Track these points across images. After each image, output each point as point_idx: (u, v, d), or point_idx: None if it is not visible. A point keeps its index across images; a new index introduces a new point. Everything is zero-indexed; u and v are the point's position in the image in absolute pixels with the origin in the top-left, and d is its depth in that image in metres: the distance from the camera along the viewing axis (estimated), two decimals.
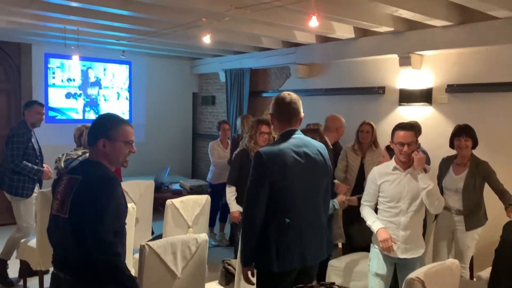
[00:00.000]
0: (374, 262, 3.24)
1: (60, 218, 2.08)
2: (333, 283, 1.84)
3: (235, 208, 4.13)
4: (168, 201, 3.83)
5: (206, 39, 4.53)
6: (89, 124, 4.39)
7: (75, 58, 6.24)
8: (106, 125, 2.22)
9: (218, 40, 6.21)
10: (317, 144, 2.66)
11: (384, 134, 5.30)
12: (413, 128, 3.24)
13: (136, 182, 4.87)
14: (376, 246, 3.22)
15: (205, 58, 8.53)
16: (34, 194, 4.79)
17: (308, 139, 2.65)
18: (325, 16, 4.68)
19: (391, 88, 5.82)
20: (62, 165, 4.03)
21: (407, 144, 3.09)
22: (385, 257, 3.17)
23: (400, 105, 5.74)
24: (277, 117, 2.62)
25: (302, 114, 2.66)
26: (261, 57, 7.23)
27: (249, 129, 4.33)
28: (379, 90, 5.92)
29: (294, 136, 2.58)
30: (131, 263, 3.67)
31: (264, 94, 7.55)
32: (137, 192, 4.71)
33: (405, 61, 5.45)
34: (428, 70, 5.45)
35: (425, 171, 3.10)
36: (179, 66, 8.86)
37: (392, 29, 5.16)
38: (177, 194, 5.57)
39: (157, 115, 8.59)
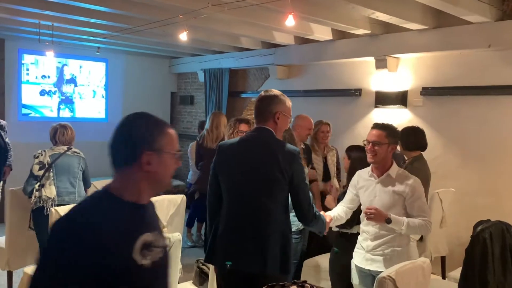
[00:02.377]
0: (352, 273, 3.05)
1: None
2: (305, 281, 1.84)
3: None
4: None
5: (183, 36, 4.50)
6: (65, 123, 4.37)
7: (50, 54, 6.11)
8: (150, 130, 1.54)
9: (197, 39, 6.18)
10: (278, 145, 2.46)
11: (359, 136, 5.34)
12: (385, 128, 2.95)
13: (107, 181, 4.78)
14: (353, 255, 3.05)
15: (184, 57, 8.47)
16: None
17: (267, 137, 2.47)
18: (304, 17, 4.71)
19: (367, 91, 5.89)
20: (49, 159, 4.07)
21: (372, 142, 2.87)
22: (357, 269, 2.98)
23: (376, 107, 5.81)
24: None
25: (274, 111, 2.49)
26: (241, 58, 7.22)
27: (228, 128, 4.22)
28: (356, 92, 5.98)
29: (250, 133, 2.59)
30: None
31: (243, 95, 7.54)
32: None
33: (381, 64, 5.52)
34: (403, 73, 5.53)
35: (389, 221, 2.73)
36: (158, 65, 8.77)
37: (369, 31, 5.23)
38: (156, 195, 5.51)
39: None
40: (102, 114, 8.13)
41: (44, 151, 4.12)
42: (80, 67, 7.81)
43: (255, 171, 2.45)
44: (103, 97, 8.14)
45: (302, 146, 4.30)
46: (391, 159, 2.93)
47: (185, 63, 8.57)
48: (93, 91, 8.01)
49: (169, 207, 3.87)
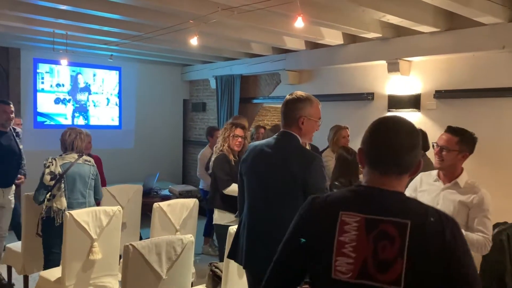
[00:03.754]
0: None
1: None
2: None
3: None
4: (155, 204, 3.80)
5: (194, 41, 4.53)
6: (80, 129, 4.32)
7: (64, 62, 6.21)
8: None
9: (207, 46, 6.23)
10: (298, 153, 2.39)
11: None
12: (457, 133, 2.71)
13: (124, 187, 4.84)
14: None
15: (196, 64, 8.54)
16: (10, 198, 4.75)
17: (286, 142, 2.43)
18: (314, 22, 4.71)
19: (380, 94, 5.86)
20: (60, 169, 3.83)
21: (440, 146, 2.68)
22: None
23: (389, 111, 5.76)
24: None
25: (298, 116, 2.41)
26: (251, 64, 7.25)
27: (222, 131, 4.09)
28: (368, 96, 5.95)
29: (274, 137, 2.52)
30: (117, 267, 3.63)
31: (255, 101, 7.56)
32: (124, 197, 4.68)
33: (393, 67, 5.49)
34: (416, 76, 5.50)
35: None
36: (170, 73, 8.85)
37: (380, 35, 5.21)
38: (166, 199, 5.53)
39: (147, 121, 8.55)
40: (116, 122, 8.22)
41: (55, 159, 3.88)
42: (94, 75, 7.92)
43: (268, 177, 2.42)
44: (116, 104, 8.23)
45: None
46: (461, 166, 2.73)
47: (196, 71, 8.63)
48: (107, 99, 8.11)
49: (182, 210, 3.89)
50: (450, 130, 2.73)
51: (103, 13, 4.64)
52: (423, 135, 3.97)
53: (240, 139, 3.92)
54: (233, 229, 2.89)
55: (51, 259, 3.82)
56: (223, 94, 7.80)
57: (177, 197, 5.70)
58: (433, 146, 2.80)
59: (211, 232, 5.73)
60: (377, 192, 1.39)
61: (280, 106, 2.55)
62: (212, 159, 4.00)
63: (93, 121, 7.90)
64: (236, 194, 3.62)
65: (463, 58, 5.01)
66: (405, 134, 1.41)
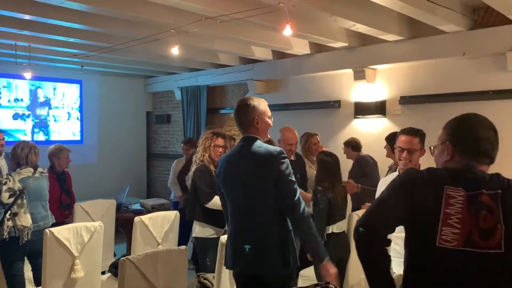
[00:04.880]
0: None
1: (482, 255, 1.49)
2: (328, 283, 1.85)
3: None
4: (137, 218, 3.71)
5: (174, 51, 4.49)
6: (33, 143, 4.14)
7: (27, 75, 5.96)
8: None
9: (174, 57, 6.17)
10: (260, 151, 2.48)
11: (341, 146, 5.45)
12: (416, 133, 2.88)
13: (97, 202, 4.70)
14: None
15: (159, 76, 8.45)
16: None
17: (253, 146, 2.50)
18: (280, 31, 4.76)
19: (347, 102, 6.02)
20: (19, 185, 3.70)
21: (407, 149, 2.81)
22: None
23: (355, 117, 5.94)
24: None
25: (252, 118, 2.51)
26: (218, 74, 7.27)
27: (202, 141, 3.93)
28: (335, 104, 6.10)
29: (239, 144, 2.62)
30: (99, 285, 3.51)
31: (222, 111, 7.57)
32: (98, 212, 4.54)
33: (359, 75, 5.68)
34: (381, 83, 5.70)
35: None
36: (132, 85, 8.71)
37: (346, 44, 5.38)
38: (139, 213, 5.40)
39: (109, 135, 8.35)
40: (77, 136, 7.97)
41: (11, 175, 3.72)
42: (54, 89, 7.66)
43: (243, 180, 2.53)
44: (78, 119, 7.99)
45: (293, 158, 4.28)
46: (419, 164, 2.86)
47: (160, 82, 8.54)
48: (68, 113, 7.86)
49: (163, 223, 3.82)
50: (412, 132, 2.89)
51: (70, 24, 4.52)
52: None
53: (221, 149, 3.82)
54: (224, 238, 2.87)
55: (16, 283, 3.65)
56: (189, 106, 7.76)
57: (150, 211, 5.59)
58: (393, 150, 2.95)
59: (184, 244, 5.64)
60: (471, 171, 1.57)
61: None
62: (192, 169, 3.86)
63: (53, 136, 7.62)
64: (218, 207, 3.63)
65: (426, 65, 5.26)
66: (490, 129, 1.65)
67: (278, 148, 2.53)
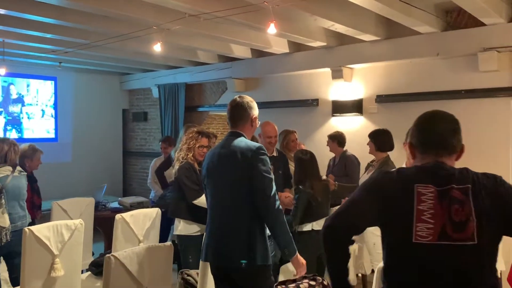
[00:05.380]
0: None
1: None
2: (316, 275, 1.90)
3: None
4: (118, 216, 3.69)
5: (157, 48, 4.47)
6: (13, 140, 4.05)
7: (2, 71, 5.80)
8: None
9: (152, 54, 6.12)
10: (240, 145, 2.55)
11: (319, 144, 5.54)
12: None
13: (75, 200, 4.66)
14: None
15: (136, 73, 8.37)
16: None
17: (235, 141, 2.58)
18: (263, 29, 4.80)
19: (325, 100, 6.11)
20: None
21: None
22: None
23: (333, 116, 6.04)
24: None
25: (252, 116, 2.65)
26: (196, 72, 7.26)
27: (187, 140, 3.87)
28: (313, 102, 6.19)
29: (224, 138, 2.70)
30: (79, 283, 3.48)
31: (200, 109, 7.55)
32: (77, 211, 4.49)
33: (337, 74, 5.78)
34: (358, 82, 5.81)
35: None
36: (108, 82, 8.59)
37: (325, 44, 5.46)
38: (117, 212, 5.35)
39: (85, 133, 8.21)
40: (51, 134, 7.82)
41: None
42: (28, 85, 7.49)
43: (221, 174, 2.62)
44: (52, 116, 7.84)
45: (275, 154, 4.34)
46: None
47: (137, 79, 8.46)
48: (42, 110, 7.70)
49: (144, 221, 3.81)
50: None
51: (47, 19, 4.44)
52: (389, 135, 4.19)
53: (205, 150, 3.79)
54: None
55: None
56: (166, 103, 7.72)
57: (129, 209, 5.54)
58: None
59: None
60: (439, 167, 1.62)
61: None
62: (175, 167, 3.84)
63: (27, 134, 7.45)
64: (204, 205, 3.63)
65: (402, 65, 5.39)
66: (446, 121, 1.68)
67: (257, 144, 2.61)
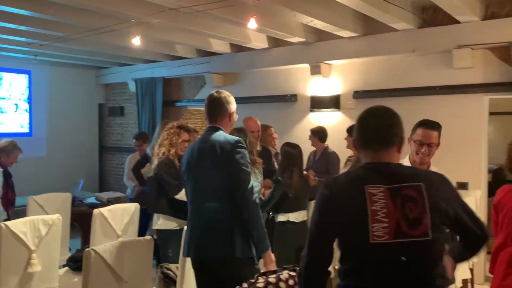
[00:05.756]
0: None
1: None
2: (296, 266, 1.94)
3: None
4: (96, 210, 3.66)
5: (136, 41, 4.42)
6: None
7: None
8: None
9: (129, 47, 6.05)
10: (219, 139, 2.57)
11: (297, 139, 5.56)
12: (437, 127, 2.78)
13: (52, 195, 4.59)
14: None
15: (112, 67, 8.25)
16: None
17: (214, 135, 2.60)
18: (242, 24, 4.80)
19: (303, 96, 6.16)
20: None
21: (429, 143, 2.71)
22: None
23: (311, 111, 6.09)
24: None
25: (230, 111, 2.69)
26: (175, 66, 7.21)
27: (168, 135, 3.82)
28: (292, 98, 6.23)
29: (203, 133, 2.72)
30: (56, 279, 3.44)
31: (178, 104, 7.50)
32: (53, 206, 4.42)
33: (315, 70, 5.83)
34: (336, 78, 5.88)
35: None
36: (84, 76, 8.45)
37: (303, 39, 5.49)
38: (95, 207, 5.29)
39: (59, 128, 8.06)
40: (25, 129, 7.66)
41: None
42: (0, 79, 7.30)
43: (201, 168, 2.63)
44: (26, 110, 7.67)
45: (258, 148, 4.36)
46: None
47: (113, 73, 8.34)
48: (15, 104, 7.53)
49: (123, 216, 3.79)
50: (430, 126, 2.77)
51: (22, 11, 4.35)
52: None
53: (187, 144, 3.76)
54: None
55: None
56: (144, 98, 7.64)
57: (106, 205, 5.48)
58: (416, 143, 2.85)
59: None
60: (385, 166, 1.65)
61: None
62: (154, 162, 3.82)
63: (0, 129, 7.27)
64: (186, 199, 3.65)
65: (379, 61, 5.47)
66: (382, 115, 1.73)
67: (236, 138, 2.62)
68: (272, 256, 2.56)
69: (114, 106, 8.65)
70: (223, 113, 2.67)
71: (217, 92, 2.73)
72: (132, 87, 7.92)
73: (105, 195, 5.65)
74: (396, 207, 1.54)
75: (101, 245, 2.47)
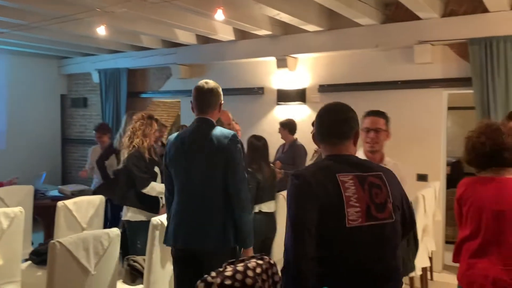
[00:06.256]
0: None
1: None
2: (263, 254, 1.98)
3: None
4: (60, 203, 3.60)
5: (101, 31, 4.33)
6: None
7: None
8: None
9: (93, 37, 5.92)
10: (216, 133, 2.58)
11: (264, 132, 5.60)
12: (382, 115, 2.85)
13: (13, 188, 4.47)
14: None
15: (75, 57, 8.04)
16: None
17: (207, 127, 2.60)
18: (208, 15, 4.78)
19: (269, 89, 6.21)
20: None
21: (374, 130, 2.77)
22: None
23: (278, 104, 6.16)
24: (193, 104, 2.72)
25: (219, 102, 2.70)
26: (139, 57, 7.11)
27: (140, 126, 3.80)
28: (259, 91, 6.27)
29: (194, 124, 2.68)
30: (19, 273, 3.36)
31: (143, 95, 7.41)
32: (14, 199, 4.31)
33: (281, 63, 5.89)
34: (302, 71, 5.96)
35: None
36: (45, 66, 8.20)
37: (270, 32, 5.54)
38: (58, 200, 5.17)
39: (20, 119, 7.81)
40: None
41: None
42: None
43: (197, 160, 2.59)
44: None
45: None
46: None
47: (76, 64, 8.13)
48: None
49: (88, 208, 3.74)
50: (376, 113, 2.86)
51: None
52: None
53: (157, 133, 3.94)
54: (155, 220, 2.90)
55: None
56: (107, 89, 7.50)
57: (69, 197, 5.37)
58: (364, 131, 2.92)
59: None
60: (346, 157, 1.80)
61: (171, 100, 2.75)
62: (124, 154, 3.79)
63: None
64: (153, 193, 3.64)
65: (343, 55, 5.59)
66: (337, 111, 1.86)
67: (231, 132, 2.64)
68: (251, 252, 2.60)
69: (77, 97, 8.45)
70: (213, 104, 2.66)
71: (206, 82, 2.69)
72: (95, 78, 7.76)
73: (68, 188, 5.54)
74: (365, 192, 1.70)
75: (67, 237, 2.43)
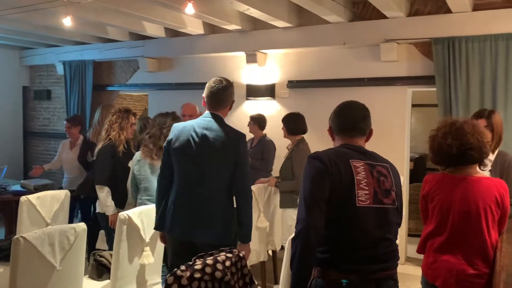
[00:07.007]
0: None
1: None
2: (232, 247, 2.00)
3: (112, 211, 3.64)
4: (23, 198, 3.50)
5: (67, 22, 4.21)
6: None
7: None
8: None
9: (57, 28, 5.76)
10: (228, 130, 2.65)
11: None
12: None
13: None
14: None
15: (38, 48, 7.80)
16: None
17: (219, 124, 2.65)
18: (177, 8, 4.73)
19: (239, 84, 6.20)
20: None
21: None
22: None
23: (247, 99, 6.17)
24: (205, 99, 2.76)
25: (232, 99, 2.79)
26: (106, 49, 6.96)
27: (117, 119, 3.80)
28: None
29: (205, 118, 2.70)
30: None
31: (110, 88, 7.27)
32: None
33: (251, 59, 5.90)
34: (271, 67, 5.99)
35: None
36: (6, 57, 7.91)
37: (240, 27, 5.54)
38: (20, 195, 5.02)
39: None
40: None
41: None
42: None
43: (207, 153, 2.61)
44: None
45: None
46: None
47: (39, 55, 7.89)
48: None
49: (52, 203, 3.66)
50: None
51: None
52: (300, 118, 4.37)
53: (134, 127, 3.92)
54: (123, 215, 2.87)
55: None
56: (72, 81, 7.32)
57: (33, 192, 5.23)
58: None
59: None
60: (359, 148, 2.03)
61: (138, 94, 2.77)
62: (99, 146, 3.75)
63: None
64: (101, 194, 3.69)
65: (312, 52, 5.65)
66: (358, 109, 2.09)
67: (239, 131, 2.72)
68: (250, 248, 2.71)
69: (40, 89, 8.20)
70: (227, 102, 2.74)
71: (225, 79, 2.75)
72: (60, 69, 7.56)
73: (31, 183, 5.38)
74: (374, 178, 1.93)
75: (31, 232, 2.38)
